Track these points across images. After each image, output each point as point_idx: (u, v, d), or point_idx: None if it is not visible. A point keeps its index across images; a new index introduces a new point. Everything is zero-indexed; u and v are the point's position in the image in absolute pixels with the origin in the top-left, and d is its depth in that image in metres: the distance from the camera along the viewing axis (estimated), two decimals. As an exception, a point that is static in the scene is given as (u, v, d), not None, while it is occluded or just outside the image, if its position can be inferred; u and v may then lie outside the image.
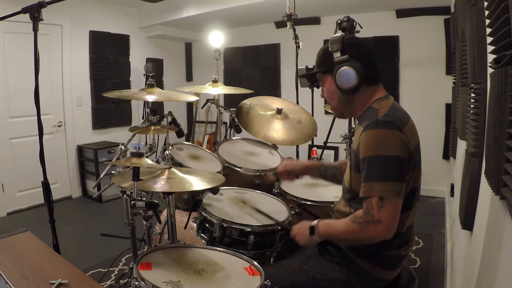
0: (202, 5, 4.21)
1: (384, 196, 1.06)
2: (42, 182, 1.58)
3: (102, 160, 4.19)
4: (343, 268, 1.24)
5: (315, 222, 1.24)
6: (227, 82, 5.46)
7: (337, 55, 1.20)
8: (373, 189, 1.07)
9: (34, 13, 1.44)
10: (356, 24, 2.46)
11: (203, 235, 1.53)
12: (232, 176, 1.93)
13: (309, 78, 2.81)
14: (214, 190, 1.57)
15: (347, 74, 1.17)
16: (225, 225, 1.44)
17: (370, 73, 1.20)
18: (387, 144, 1.08)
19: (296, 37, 2.87)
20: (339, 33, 1.22)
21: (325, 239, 1.24)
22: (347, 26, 2.39)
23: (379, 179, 1.07)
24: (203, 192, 1.66)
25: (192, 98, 1.75)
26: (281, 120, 2.11)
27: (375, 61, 1.24)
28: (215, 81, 2.34)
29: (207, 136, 5.32)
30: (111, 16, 4.67)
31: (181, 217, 1.92)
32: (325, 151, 3.57)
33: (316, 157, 3.87)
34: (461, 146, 2.27)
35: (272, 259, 1.53)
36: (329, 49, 1.22)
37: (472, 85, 1.47)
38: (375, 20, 4.19)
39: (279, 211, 1.61)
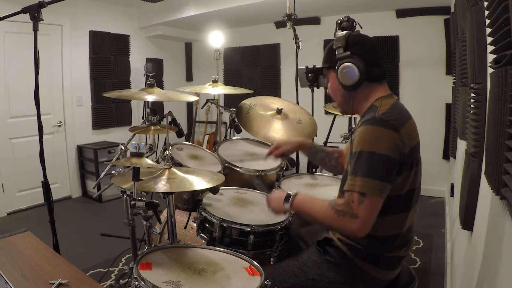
0: (202, 5, 4.21)
1: (366, 192, 1.05)
2: (42, 182, 1.58)
3: (102, 160, 4.19)
4: (343, 269, 1.24)
5: (294, 191, 1.24)
6: (227, 82, 5.46)
7: (340, 52, 1.21)
8: (356, 183, 1.07)
9: (34, 13, 1.44)
10: (356, 24, 2.46)
11: (203, 235, 1.53)
12: (232, 176, 1.93)
13: (313, 75, 2.81)
14: (214, 190, 1.57)
15: (349, 70, 1.18)
16: (225, 225, 1.44)
17: (373, 70, 1.21)
18: (379, 142, 1.08)
19: (296, 37, 2.87)
20: (346, 31, 1.23)
21: (296, 212, 1.24)
22: (347, 26, 2.39)
23: (364, 174, 1.07)
24: (203, 192, 1.66)
25: (192, 98, 1.75)
26: (281, 120, 2.11)
27: (379, 60, 1.25)
28: (215, 81, 2.34)
29: (207, 136, 5.32)
30: (111, 16, 4.67)
31: (181, 217, 1.92)
32: (325, 151, 3.56)
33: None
34: (461, 146, 2.28)
35: (272, 259, 1.53)
36: (334, 46, 1.23)
37: (472, 85, 1.47)
38: (375, 20, 4.19)
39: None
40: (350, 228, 1.07)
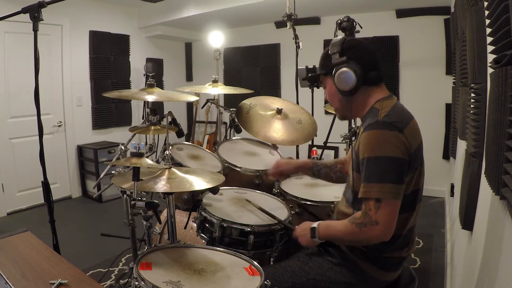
0: (202, 5, 4.21)
1: (382, 197, 1.06)
2: (42, 182, 1.58)
3: (102, 160, 4.19)
4: (344, 269, 1.24)
5: (315, 224, 1.24)
6: (227, 82, 5.46)
7: (336, 57, 1.21)
8: (371, 190, 1.08)
9: (34, 13, 1.44)
10: (356, 24, 2.46)
11: (203, 235, 1.53)
12: (232, 176, 1.93)
13: (312, 79, 2.82)
14: (214, 190, 1.57)
15: (345, 75, 1.19)
16: (225, 225, 1.43)
17: (370, 74, 1.20)
18: (386, 145, 1.08)
19: (296, 37, 2.87)
20: (341, 35, 1.23)
21: (326, 240, 1.24)
22: (347, 26, 2.39)
23: (377, 180, 1.07)
24: (203, 192, 1.66)
25: (192, 98, 1.75)
26: (281, 120, 2.11)
27: (377, 62, 1.25)
28: (215, 81, 2.34)
29: (207, 136, 5.32)
30: (111, 16, 4.67)
31: (181, 217, 1.92)
32: (325, 151, 3.57)
33: (316, 157, 3.88)
34: (461, 146, 2.28)
35: (272, 259, 1.53)
36: (329, 51, 1.23)
37: (472, 85, 1.47)
38: (375, 20, 4.19)
39: (279, 211, 1.61)
40: (374, 235, 1.08)
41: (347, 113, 1.31)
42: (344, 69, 1.18)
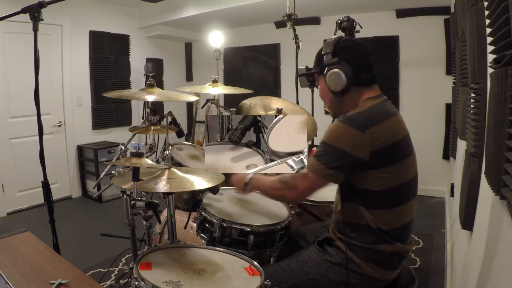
0: (202, 5, 4.21)
1: (311, 171, 1.19)
2: (42, 182, 1.58)
3: (102, 160, 4.19)
4: (343, 269, 1.24)
5: (249, 177, 1.40)
6: (227, 82, 5.46)
7: (328, 58, 1.23)
8: (310, 163, 1.20)
9: (34, 13, 1.44)
10: (356, 24, 2.46)
11: (203, 235, 1.53)
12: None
13: (309, 77, 2.82)
14: (214, 190, 1.57)
15: (336, 76, 1.22)
16: (225, 225, 1.43)
17: (362, 75, 1.23)
18: (340, 138, 1.15)
19: (296, 37, 2.87)
20: (337, 35, 1.26)
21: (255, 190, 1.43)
22: (347, 26, 2.39)
23: (316, 158, 1.18)
24: (203, 192, 1.66)
25: (192, 98, 1.75)
26: (281, 120, 2.11)
27: (370, 64, 1.26)
28: (215, 81, 2.34)
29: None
30: (111, 16, 4.67)
31: (181, 217, 1.92)
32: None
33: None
34: (461, 146, 2.28)
35: (272, 259, 1.53)
36: (322, 51, 1.26)
37: (472, 85, 1.47)
38: (375, 20, 4.19)
39: (279, 211, 1.61)
40: (288, 197, 1.29)
41: (337, 112, 1.33)
42: (335, 70, 1.21)
